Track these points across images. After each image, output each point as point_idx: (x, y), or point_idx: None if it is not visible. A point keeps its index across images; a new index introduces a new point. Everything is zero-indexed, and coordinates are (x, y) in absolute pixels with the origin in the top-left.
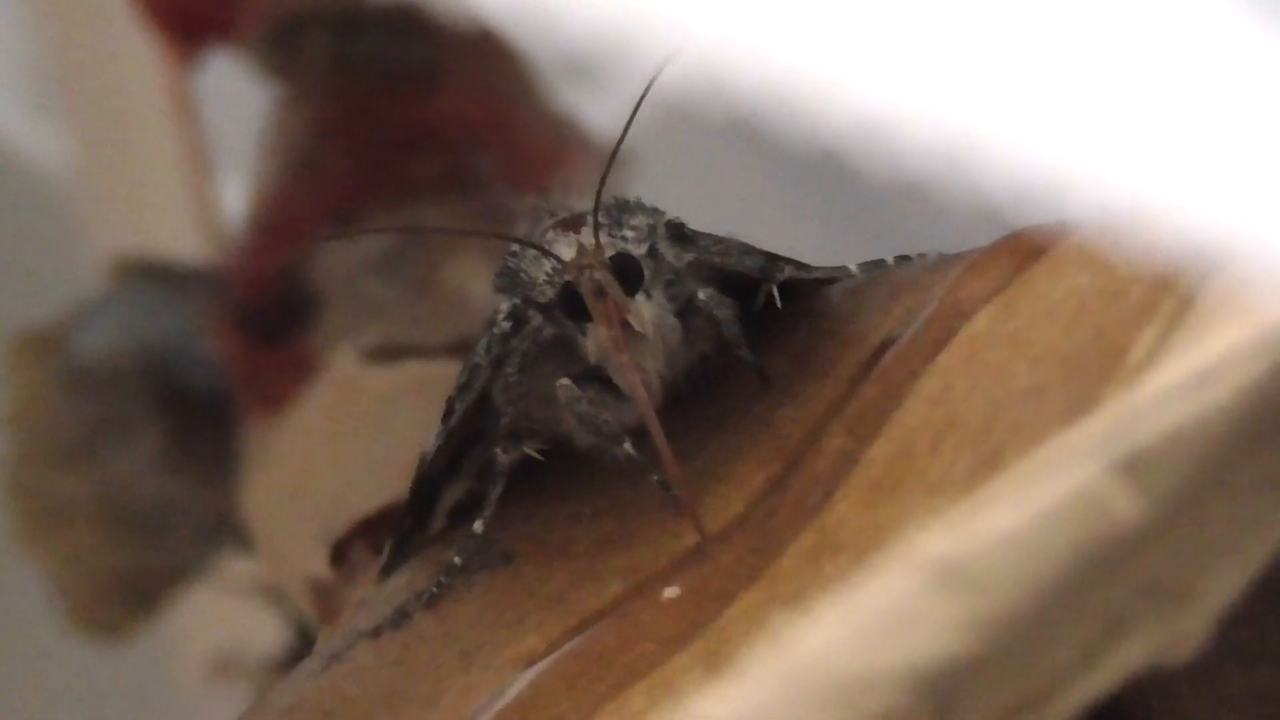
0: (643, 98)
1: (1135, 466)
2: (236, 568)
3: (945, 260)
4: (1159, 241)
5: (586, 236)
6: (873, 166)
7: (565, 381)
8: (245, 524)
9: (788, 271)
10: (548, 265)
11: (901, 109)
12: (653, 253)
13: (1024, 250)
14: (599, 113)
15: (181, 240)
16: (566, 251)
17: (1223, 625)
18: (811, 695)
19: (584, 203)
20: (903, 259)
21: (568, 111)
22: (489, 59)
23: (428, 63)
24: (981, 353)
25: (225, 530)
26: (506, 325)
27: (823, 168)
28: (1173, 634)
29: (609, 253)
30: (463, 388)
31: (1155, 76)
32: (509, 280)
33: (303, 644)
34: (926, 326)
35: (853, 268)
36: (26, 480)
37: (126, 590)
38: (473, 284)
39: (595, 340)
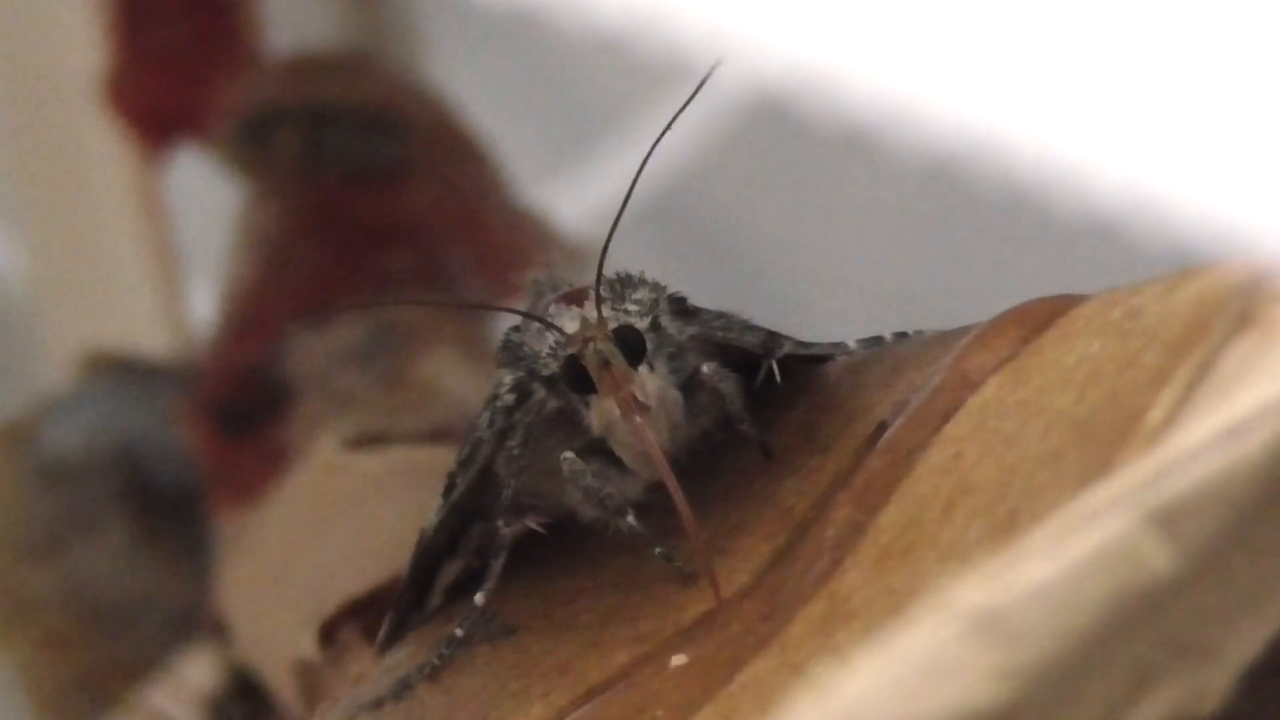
0: (651, 152)
1: (1168, 519)
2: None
3: (948, 335)
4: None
5: (589, 309)
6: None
7: (569, 454)
8: (220, 614)
9: (788, 347)
10: (551, 338)
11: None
12: (655, 326)
13: (1032, 321)
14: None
15: (151, 336)
16: (570, 324)
17: (1252, 693)
18: None
19: (586, 277)
20: (900, 335)
21: (535, 207)
22: (458, 156)
23: (397, 159)
24: (992, 421)
25: (195, 623)
26: (510, 398)
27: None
28: (1198, 689)
29: (612, 325)
30: (465, 461)
31: None
32: (512, 354)
33: None
34: (933, 398)
35: (851, 344)
36: None
37: (97, 683)
38: (446, 377)
39: (599, 412)
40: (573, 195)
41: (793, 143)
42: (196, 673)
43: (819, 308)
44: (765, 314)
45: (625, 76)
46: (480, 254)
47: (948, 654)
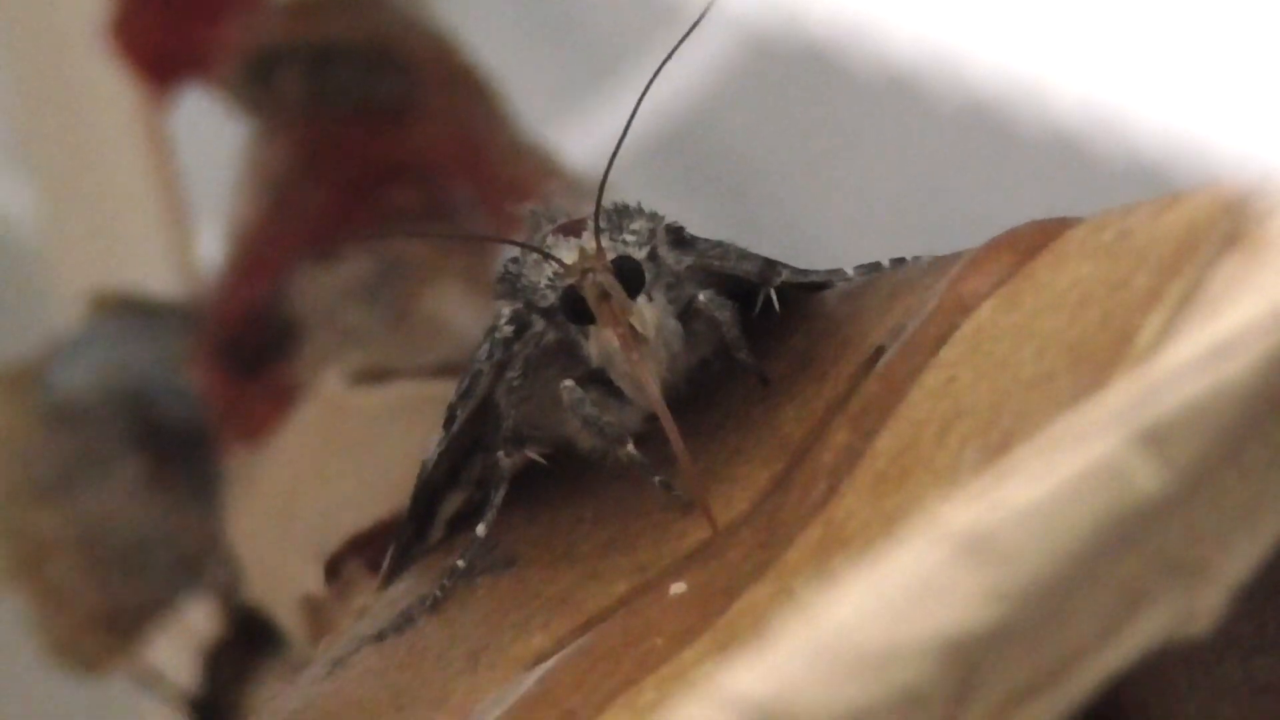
0: (650, 83)
1: (1157, 438)
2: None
3: (943, 260)
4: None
5: (588, 240)
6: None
7: (569, 383)
8: (230, 552)
9: (785, 275)
10: (549, 270)
11: (1051, 64)
12: (653, 256)
13: (1025, 244)
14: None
15: (158, 276)
16: (568, 256)
17: (1221, 617)
18: (840, 666)
19: (584, 208)
20: (898, 261)
21: (540, 141)
22: (462, 91)
23: (401, 96)
24: (985, 344)
25: (207, 562)
26: (509, 330)
27: (973, 122)
28: (1189, 608)
29: (610, 256)
30: (464, 393)
31: None
32: (510, 286)
33: None
34: (928, 323)
35: (849, 270)
36: (6, 518)
37: (108, 625)
38: (451, 311)
39: (598, 343)
40: (581, 132)
41: (800, 77)
42: (199, 620)
43: (834, 241)
44: (779, 248)
45: (634, 13)
46: (485, 189)
47: (936, 575)
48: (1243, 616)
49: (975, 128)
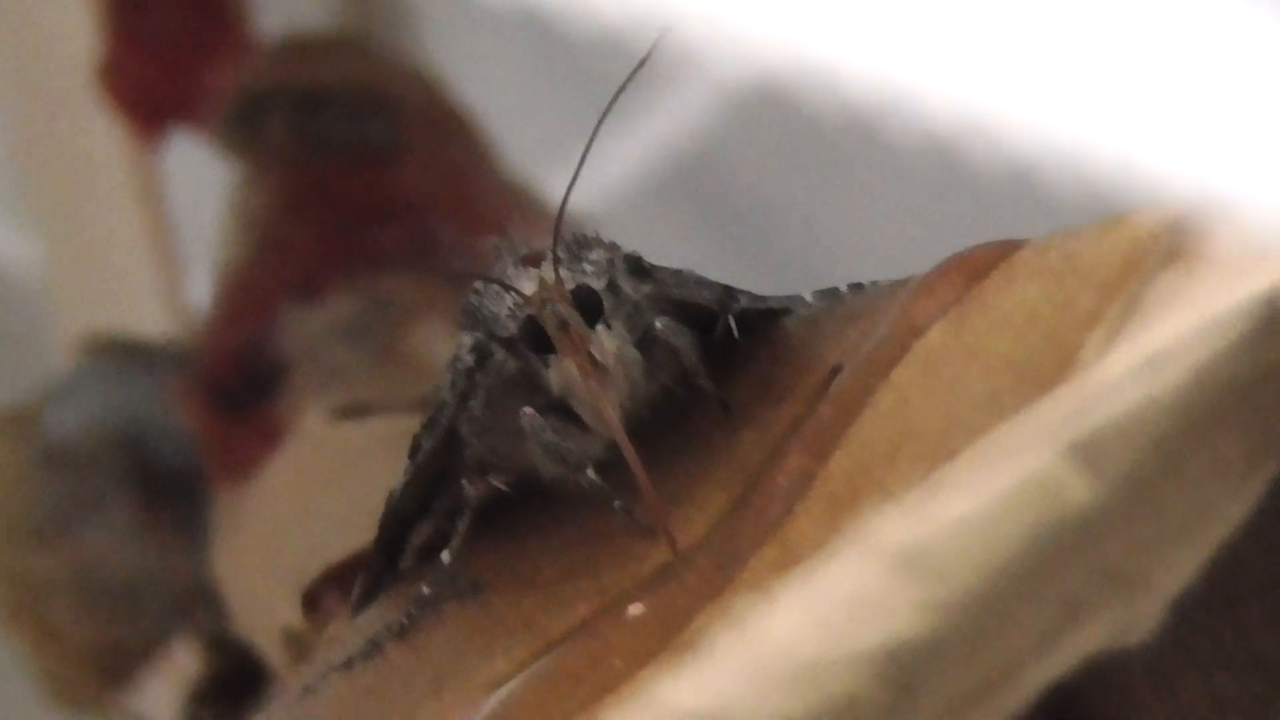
0: (605, 114)
1: (1089, 451)
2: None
3: (897, 284)
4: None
5: (547, 271)
6: (980, 156)
7: (529, 411)
8: (216, 588)
9: (744, 301)
10: (509, 300)
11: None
12: (612, 285)
13: (975, 266)
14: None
15: (150, 318)
16: (528, 286)
17: (1181, 632)
18: (776, 680)
19: (544, 240)
20: (856, 287)
21: (527, 182)
22: (448, 133)
23: (387, 138)
24: (935, 366)
25: (198, 600)
26: (470, 360)
27: (929, 159)
28: (1128, 619)
29: (569, 285)
30: (429, 424)
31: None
32: (472, 317)
33: None
34: (881, 346)
35: (807, 296)
36: (1, 559)
37: (102, 664)
38: (436, 349)
39: (558, 372)
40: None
41: (796, 123)
42: (189, 662)
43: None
44: (777, 283)
45: (629, 56)
46: (471, 229)
47: (870, 590)
48: (1201, 632)
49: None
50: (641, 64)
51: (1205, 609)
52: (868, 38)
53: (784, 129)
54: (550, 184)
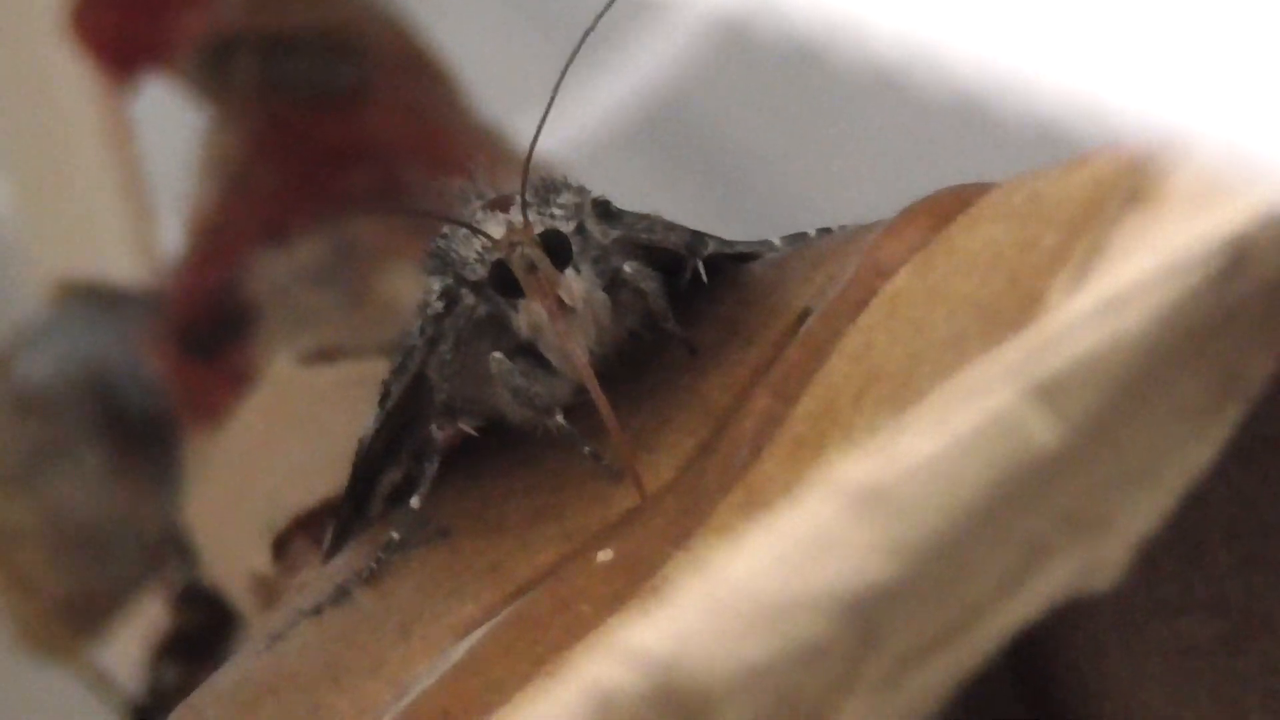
0: (574, 55)
1: (1051, 392)
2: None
3: (865, 228)
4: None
5: (515, 215)
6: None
7: (498, 355)
8: (188, 534)
9: (712, 246)
10: (478, 244)
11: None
12: (580, 229)
13: (942, 209)
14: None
15: (121, 263)
16: (496, 230)
17: (1148, 578)
18: (738, 621)
19: (512, 184)
20: (824, 231)
21: (494, 124)
22: (417, 76)
23: (356, 81)
24: (901, 309)
25: (169, 547)
26: (439, 305)
27: (875, 90)
28: (1092, 562)
29: (538, 229)
30: (398, 369)
31: None
32: (440, 261)
33: None
34: (848, 289)
35: (776, 241)
36: None
37: (75, 612)
38: (405, 293)
39: (527, 315)
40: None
41: (766, 66)
42: (154, 618)
43: (799, 220)
44: (746, 227)
45: (594, 4)
46: (440, 173)
47: (831, 530)
48: (1169, 579)
49: (956, 117)
50: (609, 4)
51: (1172, 555)
52: None
53: (754, 72)
54: (519, 128)
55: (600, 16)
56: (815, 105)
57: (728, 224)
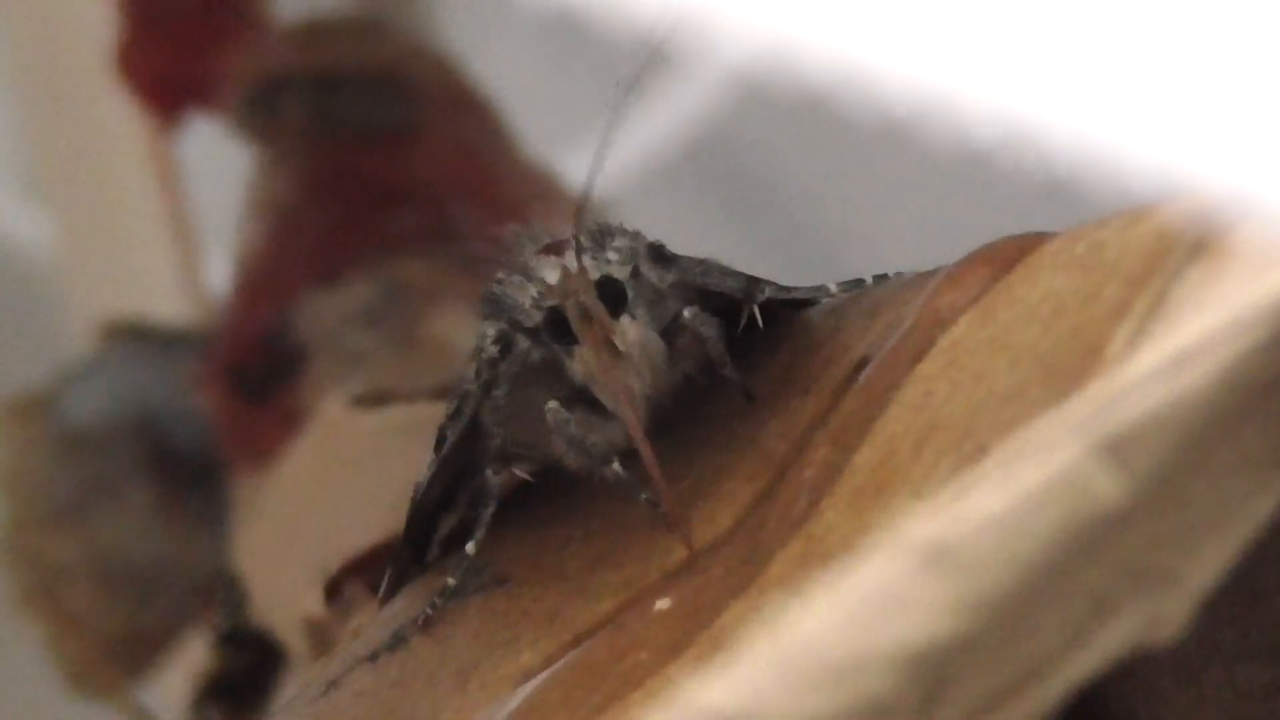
0: (621, 102)
1: (1117, 447)
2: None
3: (923, 275)
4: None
5: (570, 260)
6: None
7: (553, 405)
8: (238, 575)
9: (768, 292)
10: (533, 290)
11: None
12: (636, 274)
13: (1001, 259)
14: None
15: (169, 303)
16: (551, 275)
17: (1205, 625)
18: (805, 678)
19: (564, 227)
20: (880, 277)
21: (545, 163)
22: (465, 115)
23: (405, 120)
24: (961, 358)
25: (217, 588)
26: (494, 350)
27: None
28: (1157, 615)
29: (593, 275)
30: (453, 415)
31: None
32: (495, 306)
33: None
34: (907, 337)
35: (832, 287)
36: (21, 545)
37: (122, 650)
38: (455, 334)
39: (582, 362)
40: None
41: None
42: (199, 659)
43: (851, 263)
44: (796, 269)
45: (642, 44)
46: (490, 212)
47: (899, 587)
48: (1226, 624)
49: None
50: (658, 47)
51: (1231, 602)
52: (890, 27)
53: (802, 114)
54: (564, 167)
55: (648, 59)
56: (862, 150)
57: (771, 265)
